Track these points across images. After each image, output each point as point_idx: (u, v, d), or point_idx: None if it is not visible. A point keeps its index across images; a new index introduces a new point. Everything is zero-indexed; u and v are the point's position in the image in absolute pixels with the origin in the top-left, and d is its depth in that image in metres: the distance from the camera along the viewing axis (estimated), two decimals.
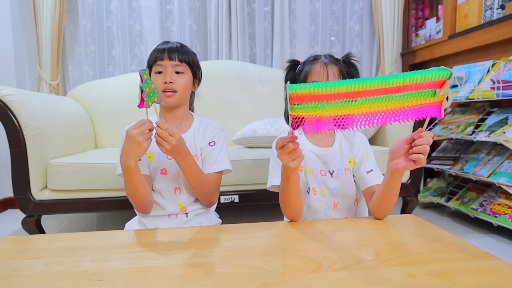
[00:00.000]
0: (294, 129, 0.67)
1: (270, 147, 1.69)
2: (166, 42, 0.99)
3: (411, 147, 0.71)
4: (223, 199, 1.51)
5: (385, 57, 2.37)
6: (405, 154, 0.73)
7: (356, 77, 0.94)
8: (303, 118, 0.64)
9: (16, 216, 1.84)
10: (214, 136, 1.03)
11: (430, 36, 2.34)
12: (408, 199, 1.67)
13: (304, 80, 0.92)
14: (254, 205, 2.10)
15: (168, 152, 0.84)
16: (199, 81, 1.06)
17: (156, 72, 0.96)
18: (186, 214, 1.00)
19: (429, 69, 0.62)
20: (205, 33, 2.38)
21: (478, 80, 1.78)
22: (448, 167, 1.87)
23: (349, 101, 0.62)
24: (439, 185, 2.04)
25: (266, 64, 2.42)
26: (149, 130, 0.81)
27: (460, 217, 1.88)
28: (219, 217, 1.11)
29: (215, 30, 2.30)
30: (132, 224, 1.03)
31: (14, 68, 2.09)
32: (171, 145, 0.82)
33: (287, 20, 2.36)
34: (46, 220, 1.86)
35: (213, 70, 2.14)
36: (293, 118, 0.65)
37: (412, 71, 0.62)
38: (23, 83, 2.15)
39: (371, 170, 0.94)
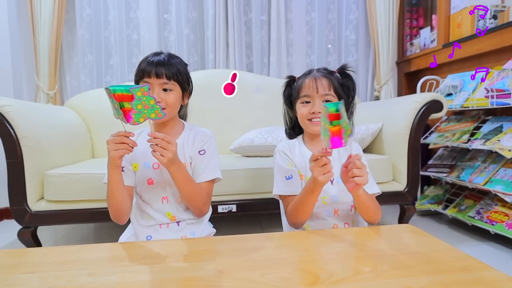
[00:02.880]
0: (331, 147, 0.73)
1: (268, 156, 1.71)
2: (155, 54, 0.95)
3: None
4: (221, 209, 1.50)
5: (381, 65, 2.39)
6: (349, 177, 0.80)
7: (352, 87, 1.01)
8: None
9: (12, 226, 1.82)
10: (204, 144, 1.01)
11: (424, 45, 2.37)
12: (406, 207, 1.68)
13: (298, 94, 0.98)
14: (252, 214, 2.09)
15: (168, 161, 0.83)
16: (190, 94, 1.03)
17: None
18: (178, 223, 0.99)
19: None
20: (203, 43, 2.40)
21: (473, 88, 1.81)
22: (445, 174, 1.88)
23: None
24: (436, 192, 2.05)
25: (263, 73, 2.43)
26: (125, 143, 0.80)
27: (457, 224, 1.88)
28: (213, 227, 1.09)
29: (212, 40, 2.32)
30: (126, 236, 1.03)
31: (12, 78, 2.09)
32: (172, 152, 0.82)
33: (283, 29, 2.39)
34: (43, 231, 1.84)
35: (211, 79, 2.15)
36: (331, 134, 0.71)
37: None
38: (20, 92, 2.15)
39: None
